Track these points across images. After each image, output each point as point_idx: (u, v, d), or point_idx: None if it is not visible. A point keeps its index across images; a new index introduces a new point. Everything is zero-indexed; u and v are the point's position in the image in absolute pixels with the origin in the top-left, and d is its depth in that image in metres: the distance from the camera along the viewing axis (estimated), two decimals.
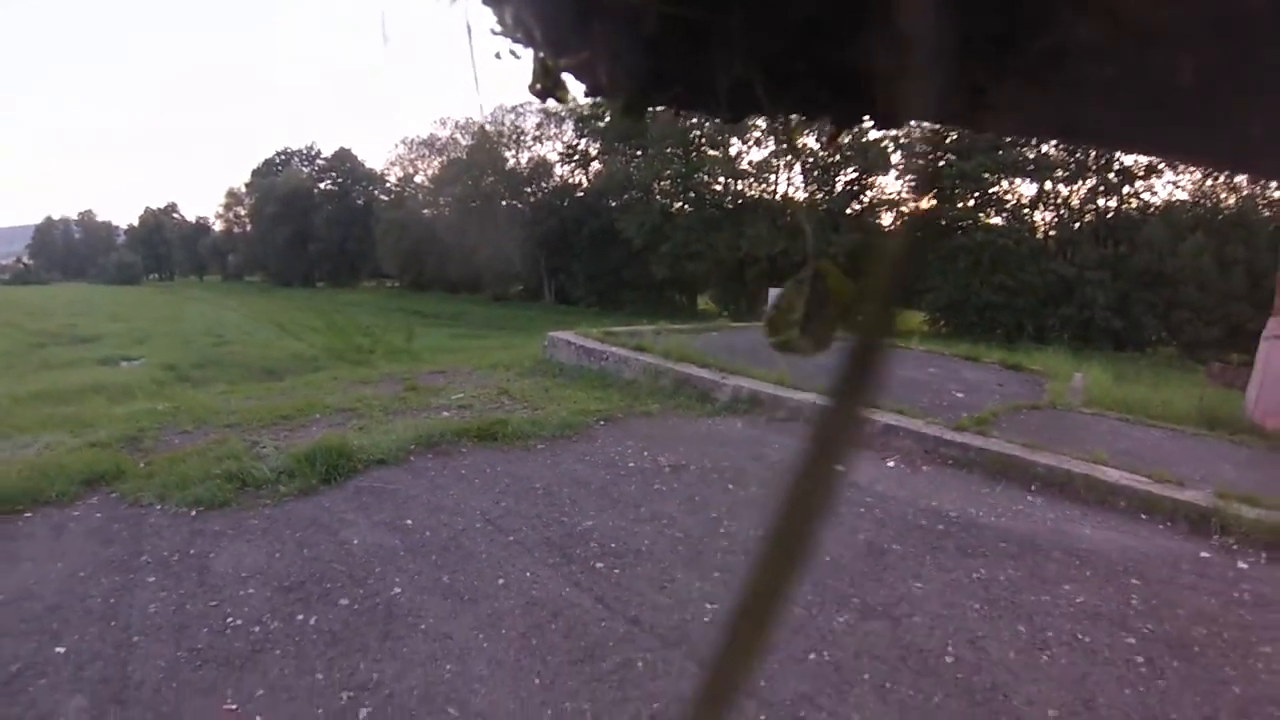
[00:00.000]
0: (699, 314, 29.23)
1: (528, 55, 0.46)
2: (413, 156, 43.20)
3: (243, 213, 60.16)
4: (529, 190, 36.93)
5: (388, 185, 46.81)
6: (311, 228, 47.46)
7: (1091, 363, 10.36)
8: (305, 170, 52.97)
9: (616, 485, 3.87)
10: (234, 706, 1.99)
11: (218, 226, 67.61)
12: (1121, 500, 3.92)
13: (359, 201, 48.10)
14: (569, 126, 37.37)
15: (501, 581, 2.75)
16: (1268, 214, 25.67)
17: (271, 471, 3.54)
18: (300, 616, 2.45)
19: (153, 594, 2.58)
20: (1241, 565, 3.19)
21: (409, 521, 3.25)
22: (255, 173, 57.04)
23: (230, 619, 2.42)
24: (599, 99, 0.47)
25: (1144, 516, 3.73)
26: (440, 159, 40.09)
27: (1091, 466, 4.25)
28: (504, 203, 35.89)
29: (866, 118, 0.44)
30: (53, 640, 2.28)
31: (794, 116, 0.45)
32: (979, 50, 0.33)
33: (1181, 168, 25.30)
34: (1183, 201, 26.59)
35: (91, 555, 2.86)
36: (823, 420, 0.28)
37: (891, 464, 4.61)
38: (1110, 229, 27.63)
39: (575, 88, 0.48)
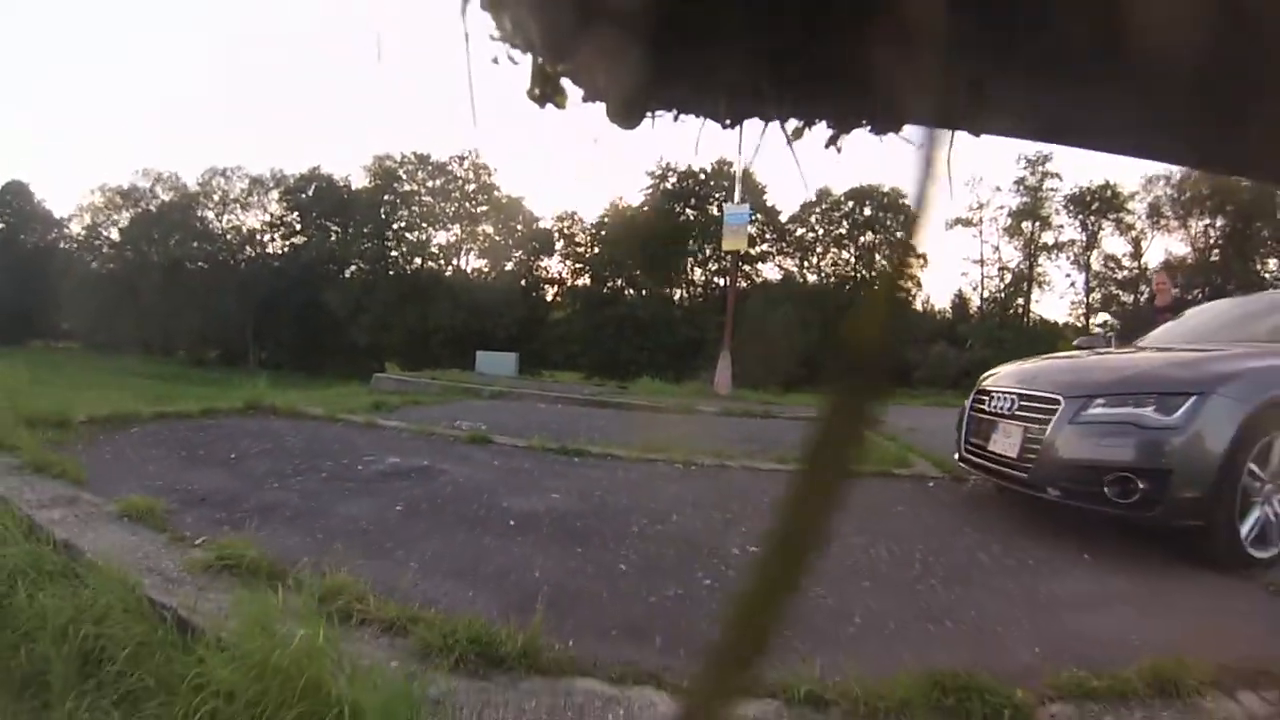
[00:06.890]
0: None
1: (526, 61, 0.48)
2: (105, 205, 40.03)
3: None
4: (231, 259, 38.00)
5: (68, 233, 42.31)
6: None
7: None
8: None
9: (469, 414, 10.91)
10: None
11: None
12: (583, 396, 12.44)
13: (29, 247, 42.70)
14: (274, 196, 39.72)
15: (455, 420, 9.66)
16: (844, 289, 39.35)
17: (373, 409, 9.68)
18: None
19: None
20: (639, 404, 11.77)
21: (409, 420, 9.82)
22: None
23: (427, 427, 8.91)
24: (597, 102, 0.49)
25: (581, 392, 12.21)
26: (134, 211, 38.27)
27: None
28: (199, 265, 36.39)
29: (865, 120, 0.46)
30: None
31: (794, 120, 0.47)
32: (980, 50, 0.33)
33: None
34: (777, 280, 39.09)
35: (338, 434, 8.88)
36: (825, 427, 0.30)
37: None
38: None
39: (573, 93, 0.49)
